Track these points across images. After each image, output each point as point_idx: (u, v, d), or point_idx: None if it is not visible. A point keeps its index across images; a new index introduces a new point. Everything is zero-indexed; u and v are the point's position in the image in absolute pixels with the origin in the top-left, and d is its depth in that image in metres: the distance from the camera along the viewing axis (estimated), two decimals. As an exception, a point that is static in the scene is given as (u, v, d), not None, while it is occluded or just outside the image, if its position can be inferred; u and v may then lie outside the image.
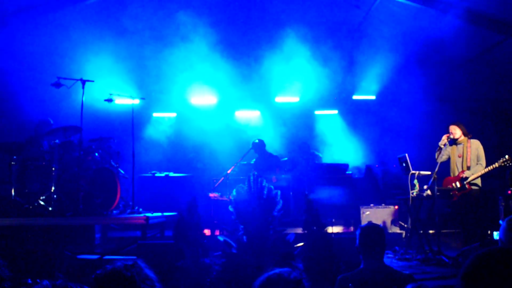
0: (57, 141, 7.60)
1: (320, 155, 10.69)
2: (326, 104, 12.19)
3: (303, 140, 10.66)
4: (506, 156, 6.92)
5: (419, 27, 9.62)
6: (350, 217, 9.15)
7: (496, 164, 7.02)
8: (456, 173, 7.42)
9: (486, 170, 7.12)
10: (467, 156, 7.34)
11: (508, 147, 9.81)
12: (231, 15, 10.50)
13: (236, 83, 11.27)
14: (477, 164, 7.26)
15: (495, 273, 1.39)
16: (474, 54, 10.10)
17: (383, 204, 9.43)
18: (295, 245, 5.61)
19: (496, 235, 3.72)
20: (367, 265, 3.48)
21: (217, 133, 11.15)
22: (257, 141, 9.84)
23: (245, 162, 9.86)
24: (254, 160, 9.87)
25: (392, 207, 9.21)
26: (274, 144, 10.99)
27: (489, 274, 1.40)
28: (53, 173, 7.24)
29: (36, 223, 6.62)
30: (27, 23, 9.20)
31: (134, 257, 5.69)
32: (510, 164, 6.89)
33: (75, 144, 7.55)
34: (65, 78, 7.40)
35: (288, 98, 11.99)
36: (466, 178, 7.24)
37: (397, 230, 8.98)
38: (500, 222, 4.46)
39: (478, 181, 7.34)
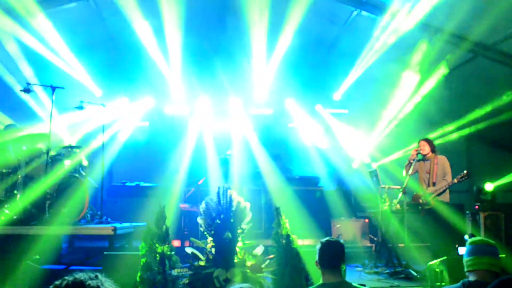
0: (24, 147, 7.42)
1: (291, 167, 10.71)
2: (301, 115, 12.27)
3: (276, 153, 10.67)
4: (464, 172, 7.07)
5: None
6: (320, 229, 9.16)
7: (455, 180, 7.16)
8: (424, 188, 7.53)
9: (446, 185, 7.26)
10: (433, 172, 7.47)
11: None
12: (208, 23, 10.52)
13: (209, 93, 11.29)
14: (443, 179, 7.39)
15: None
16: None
17: (353, 217, 9.49)
18: (264, 258, 5.60)
19: (461, 250, 3.78)
20: (326, 280, 3.47)
21: (189, 142, 11.11)
22: (223, 156, 9.75)
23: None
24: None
25: (362, 220, 9.28)
26: (246, 156, 10.99)
27: None
28: (19, 181, 7.06)
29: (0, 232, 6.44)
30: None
31: (100, 268, 5.60)
32: (467, 179, 7.05)
33: (43, 152, 7.38)
34: (34, 84, 7.28)
35: (261, 110, 12.03)
36: (430, 194, 7.36)
37: (367, 243, 9.04)
38: (465, 237, 4.55)
39: (446, 196, 7.45)
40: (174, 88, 11.23)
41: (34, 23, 8.50)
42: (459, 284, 3.15)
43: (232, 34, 10.73)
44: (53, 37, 8.97)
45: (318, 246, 3.61)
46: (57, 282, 1.92)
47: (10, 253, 6.30)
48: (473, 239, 3.40)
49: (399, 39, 9.23)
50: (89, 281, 1.91)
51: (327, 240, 3.62)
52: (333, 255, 3.50)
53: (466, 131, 10.27)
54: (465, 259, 3.30)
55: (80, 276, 1.92)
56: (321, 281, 3.51)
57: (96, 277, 1.95)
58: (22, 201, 7.00)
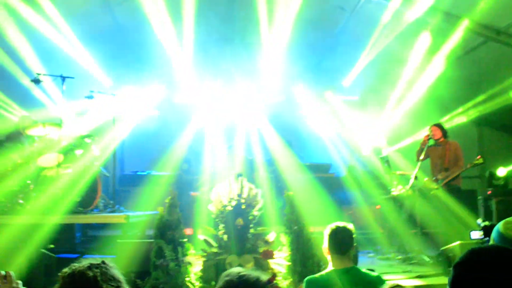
0: (36, 138, 7.48)
1: (303, 154, 10.68)
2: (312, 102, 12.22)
3: (288, 139, 10.65)
4: (478, 157, 7.02)
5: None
6: (333, 216, 9.15)
7: (468, 165, 7.11)
8: (435, 174, 7.49)
9: (459, 171, 7.21)
10: (445, 157, 7.42)
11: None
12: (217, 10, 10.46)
13: (219, 81, 11.28)
14: (455, 165, 7.34)
15: (485, 267, 1.49)
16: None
17: (365, 204, 9.47)
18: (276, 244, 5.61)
19: (473, 235, 3.73)
20: (335, 267, 3.39)
21: (200, 132, 11.12)
22: (231, 145, 9.72)
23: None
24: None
25: (374, 206, 9.25)
26: (258, 143, 10.98)
27: (479, 267, 1.50)
28: (32, 171, 7.13)
29: (14, 221, 6.51)
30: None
31: (114, 256, 5.65)
32: (481, 164, 7.00)
33: (55, 141, 7.43)
34: (44, 74, 7.30)
35: (273, 97, 11.99)
36: (442, 180, 7.32)
37: (379, 229, 9.02)
38: (478, 222, 4.50)
39: (459, 182, 7.42)
40: (184, 77, 11.21)
41: (42, 13, 8.51)
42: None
43: (241, 21, 10.67)
44: (61, 26, 8.97)
45: (327, 231, 3.51)
46: (64, 270, 1.94)
47: (25, 242, 6.37)
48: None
49: (409, 24, 9.11)
50: (91, 270, 1.93)
51: (336, 225, 3.51)
52: (342, 241, 3.40)
53: (477, 115, 10.18)
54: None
55: (84, 264, 1.94)
56: (329, 267, 3.44)
57: (99, 265, 1.97)
58: (35, 191, 7.07)
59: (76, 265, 1.94)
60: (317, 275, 3.41)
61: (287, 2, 9.41)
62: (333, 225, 3.52)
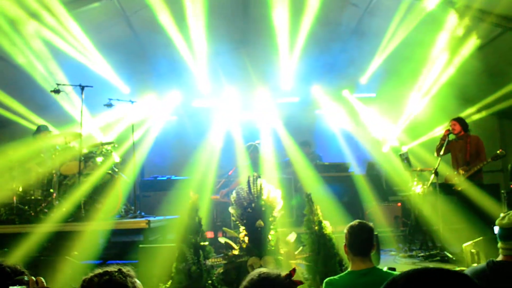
0: (57, 147, 7.61)
1: (321, 154, 10.66)
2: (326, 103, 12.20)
3: (305, 140, 10.64)
4: (500, 150, 6.95)
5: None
6: (353, 215, 9.12)
7: (489, 159, 7.03)
8: (457, 169, 7.41)
9: (481, 165, 7.13)
10: (466, 151, 7.34)
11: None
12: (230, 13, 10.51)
13: (235, 84, 11.33)
14: (477, 158, 7.26)
15: None
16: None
17: (386, 202, 9.42)
18: (297, 245, 5.62)
19: (496, 230, 3.68)
20: (355, 268, 3.28)
21: (218, 134, 11.19)
22: (250, 144, 9.64)
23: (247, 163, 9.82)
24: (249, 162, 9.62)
25: (394, 204, 9.20)
26: (276, 144, 11.02)
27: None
28: (54, 179, 7.26)
29: (39, 230, 6.63)
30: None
31: (136, 261, 5.73)
32: (504, 156, 6.93)
33: (76, 150, 7.56)
34: (64, 84, 7.43)
35: (288, 98, 12.02)
36: (464, 174, 7.24)
37: (400, 227, 8.97)
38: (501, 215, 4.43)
39: (480, 176, 7.33)
40: (200, 82, 11.29)
41: (61, 25, 8.65)
42: (483, 264, 3.02)
43: (256, 23, 10.71)
44: (79, 37, 9.12)
45: (347, 230, 3.38)
46: (87, 277, 1.98)
47: (50, 250, 6.49)
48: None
49: (424, 16, 9.01)
50: (121, 274, 1.96)
51: (355, 225, 3.39)
52: (362, 241, 3.29)
53: (498, 108, 10.04)
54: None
55: (112, 270, 1.98)
56: (349, 269, 3.33)
57: (127, 270, 2.01)
58: (58, 199, 7.20)
59: (102, 272, 1.98)
60: (336, 276, 3.31)
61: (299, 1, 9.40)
62: (352, 224, 3.41)
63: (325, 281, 3.30)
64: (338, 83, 11.69)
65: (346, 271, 3.36)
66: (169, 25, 9.64)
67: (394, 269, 3.46)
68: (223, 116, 11.68)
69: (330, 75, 11.31)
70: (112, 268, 1.98)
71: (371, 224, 3.46)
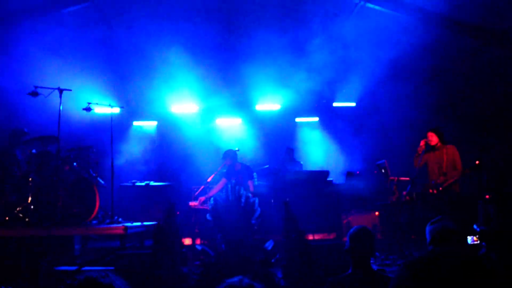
0: (33, 150, 7.48)
1: (301, 162, 10.69)
2: (306, 111, 12.25)
3: (288, 146, 10.67)
4: (476, 162, 7.05)
5: (395, 35, 9.72)
6: (331, 224, 9.14)
7: (467, 170, 7.14)
8: (433, 179, 7.50)
9: (458, 175, 7.24)
10: (443, 162, 7.43)
11: (486, 152, 9.96)
12: (213, 21, 10.49)
13: (217, 90, 11.30)
14: (453, 169, 7.36)
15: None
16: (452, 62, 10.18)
17: (364, 211, 9.46)
18: (274, 252, 5.62)
19: (469, 239, 3.74)
20: (356, 270, 3.45)
21: (198, 141, 11.15)
22: (229, 150, 9.57)
23: (225, 170, 9.79)
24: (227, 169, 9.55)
25: (372, 213, 9.24)
26: (255, 151, 11.02)
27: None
28: (30, 183, 7.13)
29: (13, 234, 6.51)
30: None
31: (112, 268, 5.65)
32: (480, 168, 7.04)
33: (53, 154, 7.44)
34: (42, 87, 7.32)
35: (269, 105, 12.04)
36: (441, 184, 7.33)
37: (378, 236, 9.01)
38: (474, 226, 4.50)
39: (456, 187, 7.42)
40: (181, 87, 11.22)
41: (40, 26, 8.56)
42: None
43: (238, 32, 10.71)
44: (58, 39, 9.01)
45: (350, 233, 3.56)
46: (69, 282, 1.94)
47: (24, 255, 6.36)
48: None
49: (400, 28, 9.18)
50: (101, 279, 1.93)
51: (357, 229, 3.57)
52: (364, 243, 3.48)
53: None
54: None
55: (92, 274, 1.95)
56: (350, 270, 3.49)
57: (107, 275, 1.98)
58: (33, 203, 7.07)
59: (82, 276, 1.94)
60: (339, 276, 3.46)
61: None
62: (355, 229, 3.59)
63: (329, 279, 3.43)
64: (319, 91, 11.72)
65: (347, 273, 3.50)
66: (149, 30, 9.61)
67: (383, 269, 3.59)
68: (203, 122, 11.66)
69: (311, 82, 11.33)
70: (96, 274, 1.95)
71: (370, 229, 3.64)
